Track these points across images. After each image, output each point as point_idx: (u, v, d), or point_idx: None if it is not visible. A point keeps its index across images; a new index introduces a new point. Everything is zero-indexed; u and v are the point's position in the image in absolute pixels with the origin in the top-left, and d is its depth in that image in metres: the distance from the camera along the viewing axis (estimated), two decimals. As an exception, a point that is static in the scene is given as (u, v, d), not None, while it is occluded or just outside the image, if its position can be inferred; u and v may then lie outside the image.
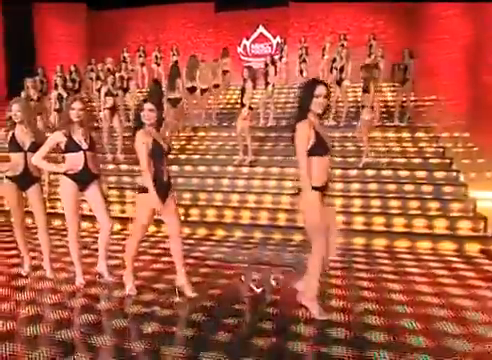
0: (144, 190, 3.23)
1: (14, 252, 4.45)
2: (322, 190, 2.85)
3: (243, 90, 6.80)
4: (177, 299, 3.30)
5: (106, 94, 7.60)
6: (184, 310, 3.18)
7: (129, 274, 3.47)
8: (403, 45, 10.51)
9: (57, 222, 5.79)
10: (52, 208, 6.17)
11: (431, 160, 6.74)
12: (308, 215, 2.84)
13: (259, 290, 3.53)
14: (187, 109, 8.91)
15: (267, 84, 8.52)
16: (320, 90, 2.77)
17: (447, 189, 6.00)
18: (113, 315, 3.06)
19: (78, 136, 3.43)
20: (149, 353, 2.53)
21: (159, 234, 5.36)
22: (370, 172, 6.43)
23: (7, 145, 3.69)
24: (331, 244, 2.98)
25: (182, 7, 14.18)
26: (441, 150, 7.03)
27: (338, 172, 6.45)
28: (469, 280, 3.81)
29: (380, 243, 5.01)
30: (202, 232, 5.59)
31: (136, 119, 3.33)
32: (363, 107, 6.64)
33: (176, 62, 10.62)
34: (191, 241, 5.15)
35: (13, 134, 3.65)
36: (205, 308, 3.16)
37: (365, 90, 6.63)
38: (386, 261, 4.39)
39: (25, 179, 3.68)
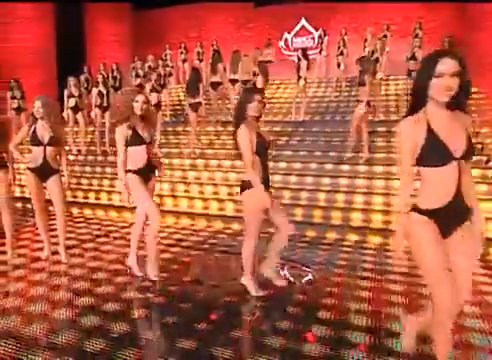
0: (248, 186, 3.07)
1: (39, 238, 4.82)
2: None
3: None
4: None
5: (151, 91, 8.03)
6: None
7: (251, 280, 3.31)
8: (453, 34, 9.88)
9: (75, 210, 6.45)
10: (74, 197, 6.81)
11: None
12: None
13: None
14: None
15: (299, 78, 8.42)
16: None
17: (483, 187, 5.61)
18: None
19: (140, 130, 3.44)
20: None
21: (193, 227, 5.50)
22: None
23: (29, 139, 4.02)
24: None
25: (222, 3, 14.33)
26: (479, 146, 6.54)
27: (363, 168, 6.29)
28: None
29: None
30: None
31: (240, 111, 3.13)
32: (358, 101, 6.50)
33: (218, 51, 10.81)
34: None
35: (34, 128, 3.95)
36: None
37: (360, 83, 6.47)
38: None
39: (44, 170, 3.96)
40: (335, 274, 3.85)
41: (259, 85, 6.84)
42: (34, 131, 3.94)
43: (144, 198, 3.46)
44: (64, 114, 8.64)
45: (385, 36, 11.00)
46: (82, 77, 9.59)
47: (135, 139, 3.40)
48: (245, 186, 3.11)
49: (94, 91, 8.60)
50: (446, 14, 12.26)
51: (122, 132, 3.37)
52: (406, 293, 3.40)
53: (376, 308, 3.08)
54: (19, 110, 9.06)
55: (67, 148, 8.28)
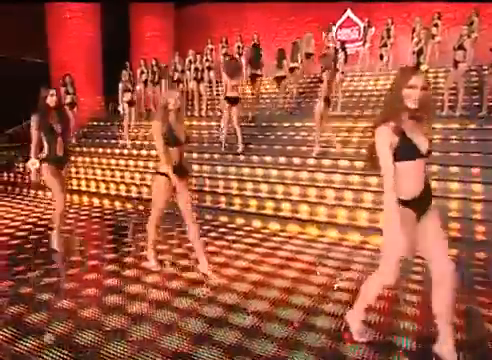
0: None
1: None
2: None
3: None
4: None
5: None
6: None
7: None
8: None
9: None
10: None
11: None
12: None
13: None
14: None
15: (336, 71, 8.08)
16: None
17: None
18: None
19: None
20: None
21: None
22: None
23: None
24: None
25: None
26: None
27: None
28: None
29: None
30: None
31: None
32: (318, 98, 6.73)
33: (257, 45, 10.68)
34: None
35: (169, 126, 3.52)
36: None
37: (319, 80, 6.81)
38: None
39: (179, 173, 3.58)
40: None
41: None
42: (170, 129, 3.50)
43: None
44: (120, 108, 9.10)
45: (436, 25, 10.28)
46: (124, 72, 9.90)
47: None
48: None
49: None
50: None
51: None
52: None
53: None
54: (72, 105, 9.53)
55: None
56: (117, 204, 6.85)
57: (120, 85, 8.83)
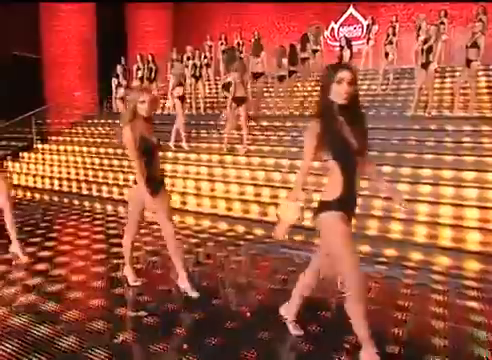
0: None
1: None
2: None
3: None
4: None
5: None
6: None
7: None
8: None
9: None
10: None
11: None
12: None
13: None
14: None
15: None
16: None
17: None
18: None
19: None
20: None
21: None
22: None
23: None
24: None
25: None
26: None
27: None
28: None
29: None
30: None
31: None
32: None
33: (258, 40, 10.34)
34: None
35: None
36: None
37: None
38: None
39: None
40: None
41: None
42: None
43: None
44: (113, 105, 8.66)
45: (442, 23, 9.95)
46: (118, 67, 9.52)
47: None
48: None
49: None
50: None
51: None
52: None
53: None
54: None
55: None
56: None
57: (113, 80, 8.44)
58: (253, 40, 11.21)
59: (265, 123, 8.22)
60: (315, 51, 9.95)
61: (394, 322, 2.85)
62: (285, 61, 8.40)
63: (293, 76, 8.83)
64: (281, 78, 8.62)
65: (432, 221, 4.62)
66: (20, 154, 9.46)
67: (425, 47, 7.15)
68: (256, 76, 8.72)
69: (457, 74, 8.40)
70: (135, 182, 3.07)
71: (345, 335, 2.56)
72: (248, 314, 2.96)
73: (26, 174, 8.42)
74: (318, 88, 2.69)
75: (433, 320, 2.88)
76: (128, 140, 2.90)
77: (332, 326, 2.80)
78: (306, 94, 9.61)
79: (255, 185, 6.02)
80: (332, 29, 13.72)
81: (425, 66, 7.17)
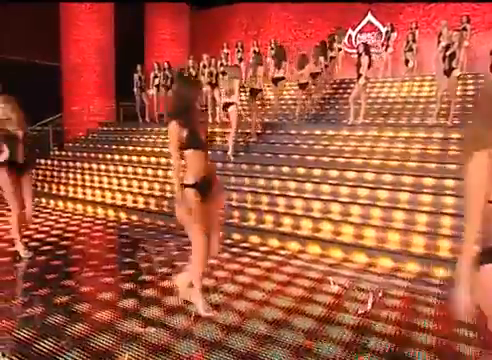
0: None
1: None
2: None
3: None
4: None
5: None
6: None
7: None
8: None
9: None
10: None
11: None
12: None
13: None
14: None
15: (359, 76, 7.57)
16: None
17: None
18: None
19: None
20: None
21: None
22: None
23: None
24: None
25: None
26: None
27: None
28: None
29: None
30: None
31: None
32: None
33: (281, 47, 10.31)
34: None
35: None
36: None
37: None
38: None
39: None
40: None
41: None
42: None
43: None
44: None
45: (464, 29, 9.70)
46: (135, 76, 9.58)
47: None
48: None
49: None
50: None
51: None
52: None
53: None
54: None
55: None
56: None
57: (135, 88, 8.55)
58: (274, 46, 11.22)
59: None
60: (339, 50, 10.09)
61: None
62: (322, 58, 8.78)
63: (318, 79, 8.94)
64: (303, 86, 8.60)
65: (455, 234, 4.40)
66: (37, 161, 9.52)
67: (448, 53, 6.93)
68: (276, 81, 8.71)
69: (481, 81, 8.14)
70: None
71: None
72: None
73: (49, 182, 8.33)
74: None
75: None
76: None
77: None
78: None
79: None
80: (349, 36, 13.56)
81: (447, 73, 6.95)
